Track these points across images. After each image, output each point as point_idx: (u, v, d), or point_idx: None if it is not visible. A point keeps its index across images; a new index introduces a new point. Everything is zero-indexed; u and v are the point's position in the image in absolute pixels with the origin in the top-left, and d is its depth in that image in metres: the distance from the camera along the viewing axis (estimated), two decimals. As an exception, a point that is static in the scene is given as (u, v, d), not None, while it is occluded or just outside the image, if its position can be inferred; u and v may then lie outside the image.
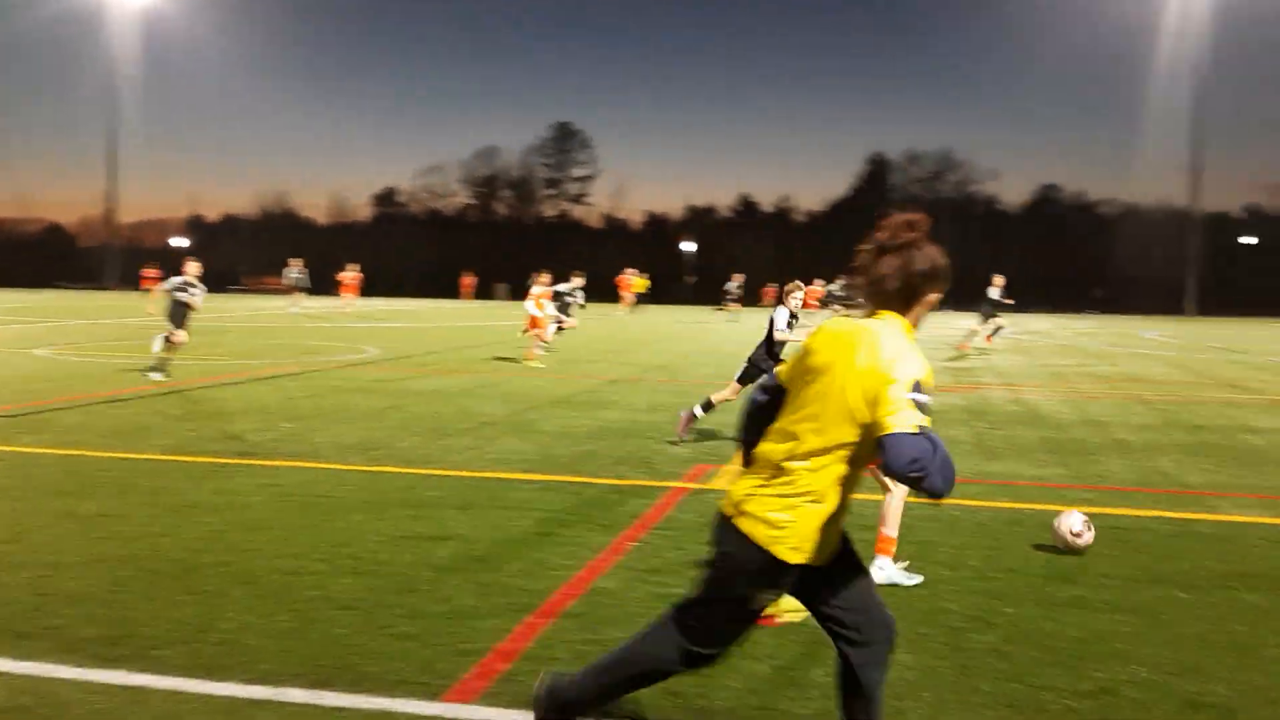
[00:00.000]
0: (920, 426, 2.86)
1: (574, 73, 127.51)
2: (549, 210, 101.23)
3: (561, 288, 22.42)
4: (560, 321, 21.06)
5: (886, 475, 2.91)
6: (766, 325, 10.36)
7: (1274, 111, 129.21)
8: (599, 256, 68.43)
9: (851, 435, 3.04)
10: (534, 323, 19.63)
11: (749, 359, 10.38)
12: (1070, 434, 11.33)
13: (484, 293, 72.57)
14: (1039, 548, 6.47)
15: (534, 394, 14.10)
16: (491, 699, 4.15)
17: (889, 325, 3.09)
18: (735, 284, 45.66)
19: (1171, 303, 69.20)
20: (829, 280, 40.62)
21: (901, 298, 3.12)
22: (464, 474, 8.55)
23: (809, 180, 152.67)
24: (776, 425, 3.24)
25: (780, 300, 10.53)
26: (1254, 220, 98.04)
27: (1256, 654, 4.73)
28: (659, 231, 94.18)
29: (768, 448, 3.22)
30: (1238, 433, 11.63)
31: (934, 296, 3.14)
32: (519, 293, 74.90)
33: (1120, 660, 4.62)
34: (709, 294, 60.61)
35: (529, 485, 8.13)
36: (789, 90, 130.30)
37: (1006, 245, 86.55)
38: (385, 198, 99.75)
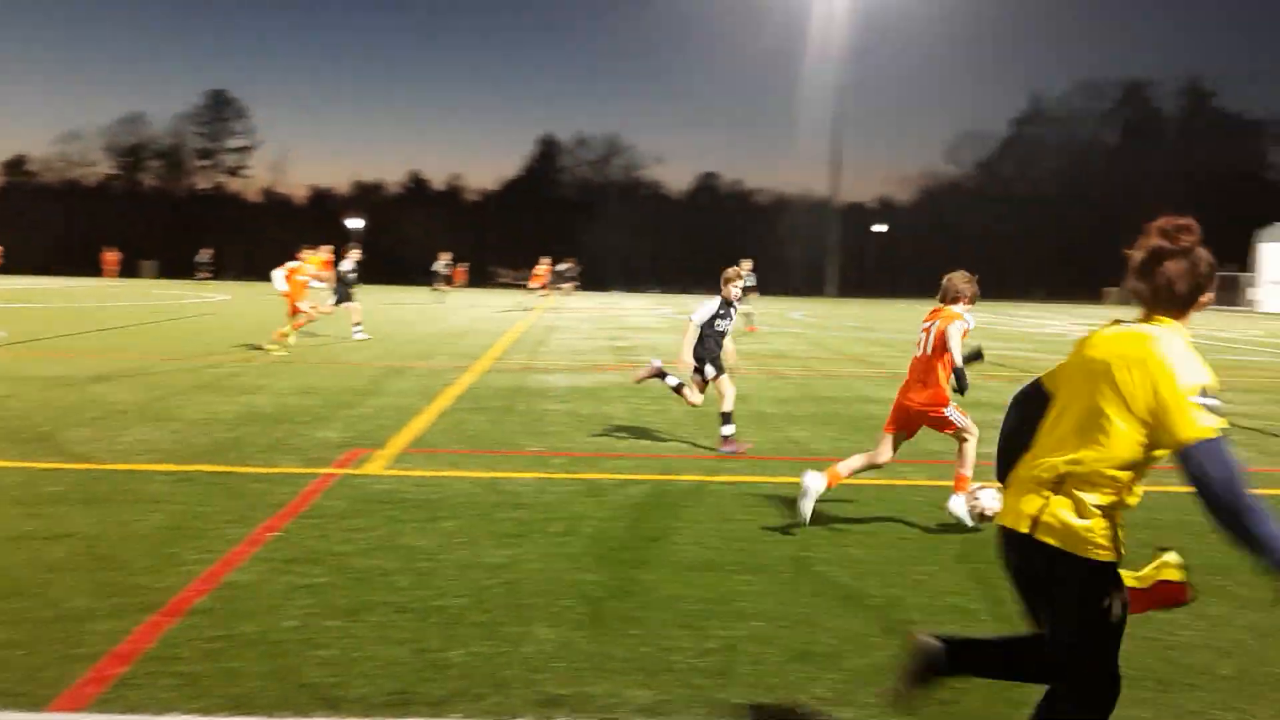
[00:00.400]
0: (1219, 430, 2.75)
1: (229, 38, 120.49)
2: (202, 182, 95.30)
3: (343, 266, 21.35)
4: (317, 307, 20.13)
5: (1195, 484, 2.72)
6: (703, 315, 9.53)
7: (903, 112, 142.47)
8: (257, 232, 65.16)
9: (1138, 437, 2.90)
10: (294, 303, 18.25)
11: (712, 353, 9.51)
12: (713, 409, 11.98)
13: (130, 270, 67.24)
14: (678, 516, 6.81)
15: (175, 380, 13.21)
16: (105, 705, 3.86)
17: (1169, 330, 2.99)
18: (443, 263, 44.82)
19: (816, 285, 74.90)
20: (556, 261, 40.87)
21: (1184, 302, 3.03)
22: (91, 466, 7.88)
23: (481, 159, 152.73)
24: (1053, 432, 3.12)
25: (719, 288, 9.80)
26: (885, 210, 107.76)
27: (859, 603, 5.21)
28: (324, 207, 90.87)
29: (1047, 456, 3.08)
30: (859, 403, 12.77)
31: (1208, 298, 3.08)
32: (171, 269, 69.70)
33: (742, 618, 4.94)
34: (377, 274, 59.10)
35: (164, 477, 7.60)
36: (461, 68, 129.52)
37: (671, 229, 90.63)
38: (14, 165, 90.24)
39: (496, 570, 5.59)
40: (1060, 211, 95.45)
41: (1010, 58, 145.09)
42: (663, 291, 66.43)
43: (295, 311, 18.06)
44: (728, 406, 9.44)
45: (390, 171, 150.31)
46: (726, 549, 6.09)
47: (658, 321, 31.65)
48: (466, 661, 4.37)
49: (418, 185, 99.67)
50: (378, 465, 8.26)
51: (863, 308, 49.60)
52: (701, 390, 9.61)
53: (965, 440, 6.99)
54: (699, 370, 9.51)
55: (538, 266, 40.44)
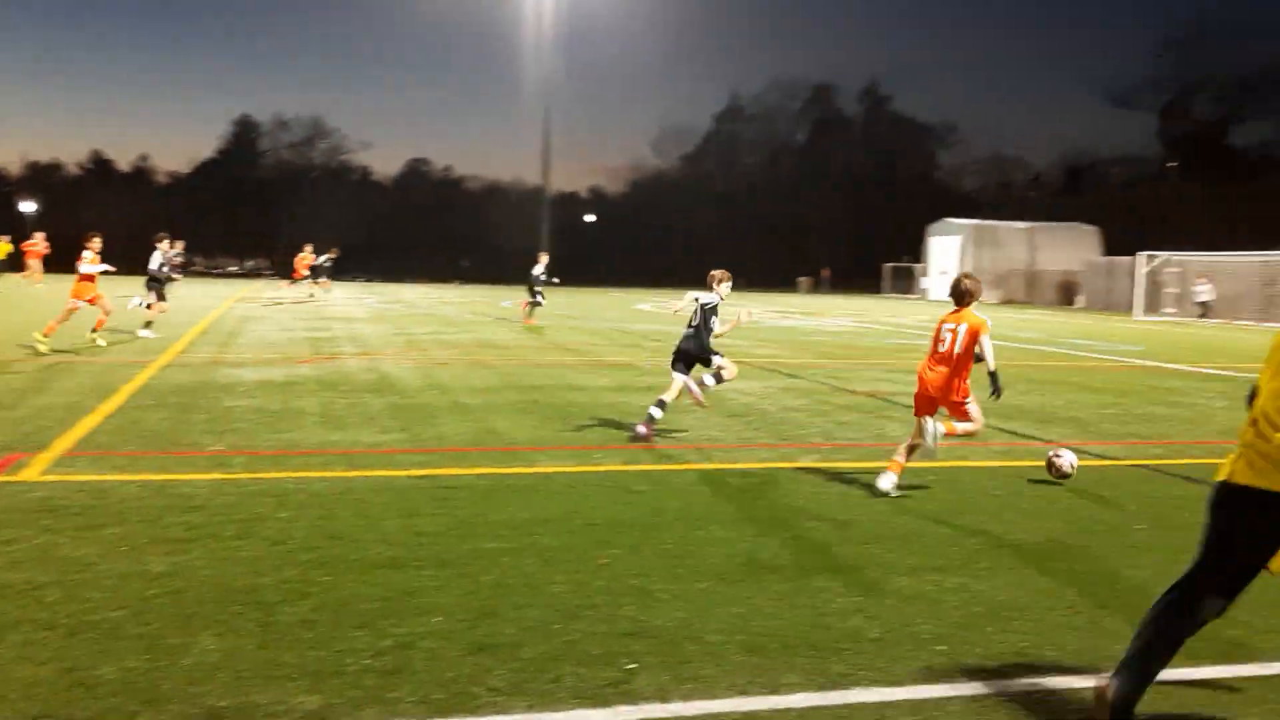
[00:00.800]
0: None
1: None
2: None
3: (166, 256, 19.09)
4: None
5: None
6: (697, 313, 9.79)
7: (612, 104, 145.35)
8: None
9: None
10: (80, 293, 16.24)
11: (680, 349, 9.93)
12: (416, 399, 11.81)
13: None
14: (364, 514, 6.64)
15: None
16: None
17: None
18: (328, 258, 41.34)
19: (529, 274, 75.03)
20: (319, 251, 38.13)
21: None
22: None
23: (171, 139, 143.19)
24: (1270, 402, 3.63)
25: (708, 287, 9.94)
26: (596, 200, 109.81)
27: (543, 591, 5.25)
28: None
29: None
30: (563, 391, 12.93)
31: None
32: None
33: (421, 614, 4.86)
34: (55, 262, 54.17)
35: None
36: (151, 41, 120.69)
37: (380, 216, 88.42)
38: None
39: (160, 579, 5.24)
40: (757, 204, 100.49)
41: (713, 55, 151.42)
42: (369, 280, 64.73)
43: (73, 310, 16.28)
44: (670, 397, 9.81)
45: (69, 151, 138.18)
46: (413, 545, 5.99)
47: (363, 311, 30.80)
48: (120, 678, 4.07)
49: (100, 166, 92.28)
50: (35, 470, 7.56)
51: (573, 296, 50.29)
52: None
53: (971, 430, 7.86)
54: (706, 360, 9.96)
55: (298, 257, 36.69)
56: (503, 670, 4.28)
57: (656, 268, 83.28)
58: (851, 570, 5.74)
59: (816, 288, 76.02)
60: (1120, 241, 61.45)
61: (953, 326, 7.74)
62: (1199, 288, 45.73)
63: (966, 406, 7.77)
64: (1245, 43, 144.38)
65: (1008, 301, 64.68)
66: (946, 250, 70.49)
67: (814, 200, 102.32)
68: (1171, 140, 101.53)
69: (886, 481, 7.57)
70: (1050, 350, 23.03)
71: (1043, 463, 8.32)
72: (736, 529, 6.52)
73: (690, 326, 9.91)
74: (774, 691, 4.15)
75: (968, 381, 7.78)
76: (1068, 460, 8.17)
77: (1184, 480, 8.55)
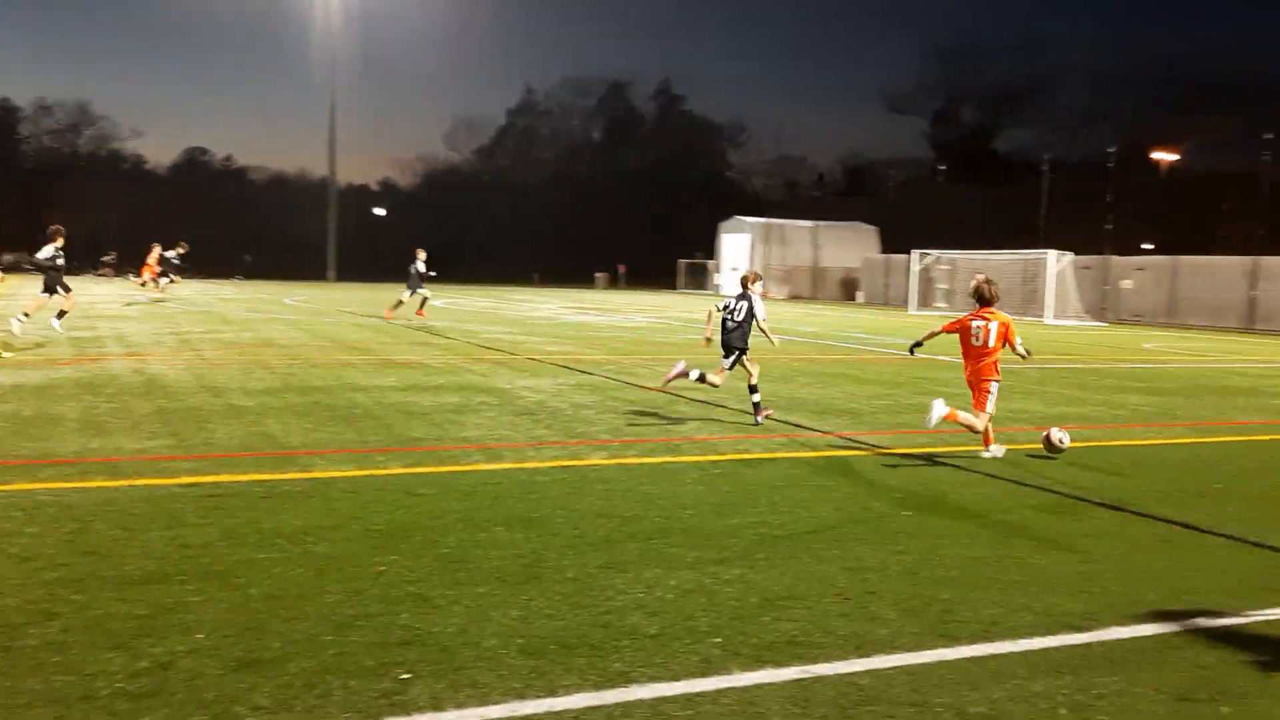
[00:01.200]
0: None
1: None
2: None
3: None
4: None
5: None
6: (744, 308, 11.06)
7: (404, 95, 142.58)
8: None
9: None
10: None
11: (728, 344, 11.13)
12: (186, 402, 11.20)
13: None
14: (125, 526, 6.22)
15: None
16: None
17: None
18: (176, 253, 37.57)
19: (317, 269, 72.86)
20: (166, 247, 35.08)
21: None
22: None
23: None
24: None
25: (745, 287, 11.35)
26: (387, 192, 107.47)
27: (315, 602, 5.04)
28: None
29: None
30: (346, 392, 12.53)
31: None
32: None
33: (183, 631, 4.58)
34: None
35: None
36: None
37: (154, 207, 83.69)
38: None
39: (-120, 608, 4.74)
40: (552, 199, 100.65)
41: (508, 48, 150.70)
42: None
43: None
44: (755, 380, 11.27)
45: None
46: (176, 558, 5.65)
47: (133, 309, 29.06)
48: None
49: None
50: None
51: (362, 292, 49.03)
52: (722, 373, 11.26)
53: (972, 424, 9.28)
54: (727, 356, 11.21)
55: (148, 255, 33.98)
56: (268, 687, 4.08)
57: (451, 263, 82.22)
58: (634, 566, 5.77)
59: (613, 283, 76.78)
60: (896, 240, 64.75)
61: (983, 324, 9.37)
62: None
63: (990, 389, 9.38)
64: (1007, 56, 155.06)
65: (794, 297, 67.10)
66: (737, 247, 72.49)
67: (609, 196, 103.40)
68: (941, 145, 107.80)
69: (997, 450, 9.43)
70: (830, 344, 24.01)
71: (823, 453, 8.62)
72: (521, 530, 6.46)
73: (734, 323, 11.13)
74: (552, 694, 4.11)
75: (997, 370, 9.46)
76: (1056, 434, 9.57)
77: (946, 467, 9.03)
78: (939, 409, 8.99)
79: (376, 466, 8.25)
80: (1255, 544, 6.75)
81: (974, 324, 9.42)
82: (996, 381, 9.45)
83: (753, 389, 11.26)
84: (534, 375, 14.99)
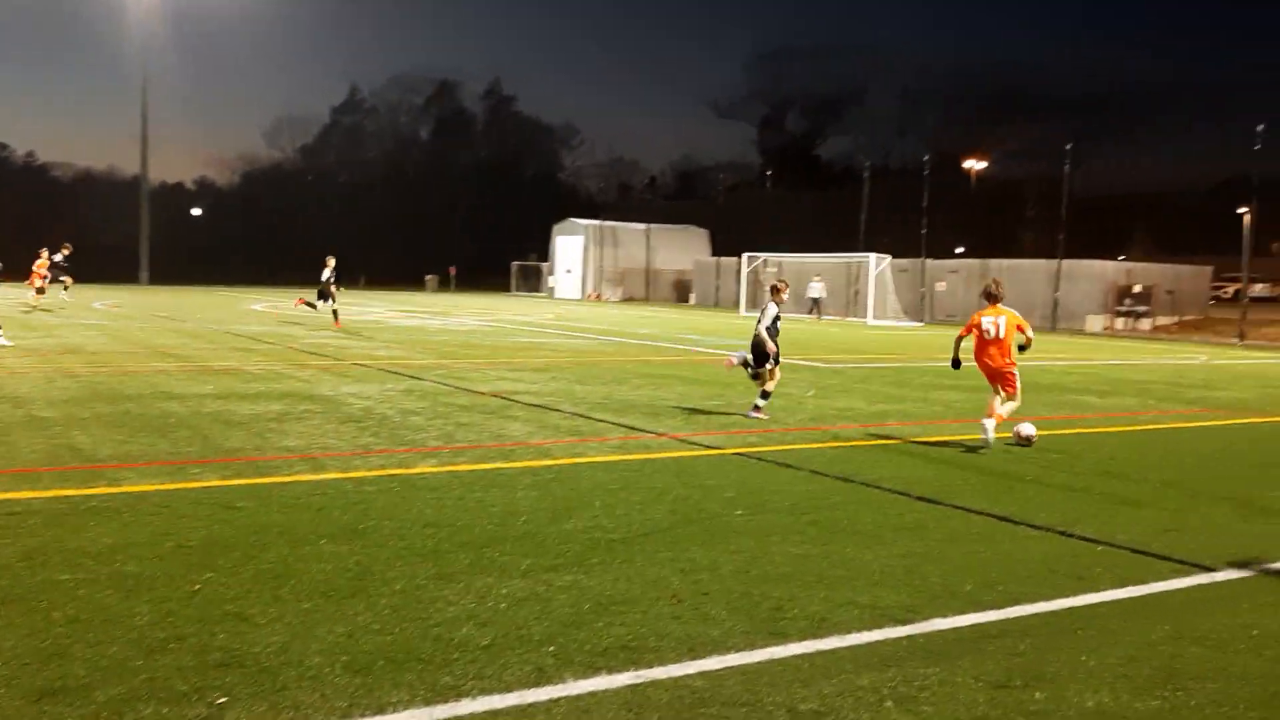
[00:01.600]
0: None
1: None
2: None
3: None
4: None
5: None
6: (768, 317, 12.10)
7: (223, 91, 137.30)
8: None
9: None
10: None
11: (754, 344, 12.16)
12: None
13: None
14: (-94, 551, 5.73)
15: None
16: None
17: None
18: (63, 255, 34.00)
19: (129, 272, 69.28)
20: (54, 250, 31.97)
21: None
22: None
23: None
24: None
25: (773, 295, 12.46)
26: (204, 192, 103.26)
27: (124, 625, 4.73)
28: None
29: None
30: (160, 400, 11.91)
31: None
32: None
33: (-30, 665, 4.24)
34: None
35: None
36: None
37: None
38: None
39: None
40: (379, 199, 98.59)
41: (332, 45, 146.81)
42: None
43: None
44: (772, 388, 12.28)
45: None
46: (-35, 583, 5.23)
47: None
48: None
49: None
50: None
51: (177, 296, 46.90)
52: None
53: (1014, 407, 10.73)
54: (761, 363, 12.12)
55: (36, 263, 31.46)
56: (72, 717, 3.80)
57: (273, 264, 79.47)
58: (465, 576, 5.65)
59: (444, 286, 75.69)
60: (727, 243, 66.02)
61: (993, 319, 10.80)
62: (812, 285, 49.91)
63: (1014, 374, 10.74)
64: (824, 67, 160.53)
65: (629, 299, 67.60)
66: (571, 249, 72.54)
67: (439, 197, 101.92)
68: (768, 150, 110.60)
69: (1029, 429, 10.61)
70: (664, 345, 24.24)
71: (657, 454, 8.65)
72: (346, 542, 6.24)
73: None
74: (380, 711, 3.97)
75: (1012, 356, 10.76)
76: (1025, 430, 10.62)
77: (776, 466, 9.21)
78: (990, 427, 10.40)
79: (192, 479, 7.85)
80: (1063, 533, 7.11)
81: (984, 321, 10.85)
82: (1015, 367, 10.84)
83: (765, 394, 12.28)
84: (361, 381, 14.60)
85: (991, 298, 11.00)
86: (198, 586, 5.32)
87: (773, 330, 12.05)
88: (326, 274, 26.03)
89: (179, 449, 9.04)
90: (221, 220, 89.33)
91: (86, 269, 70.25)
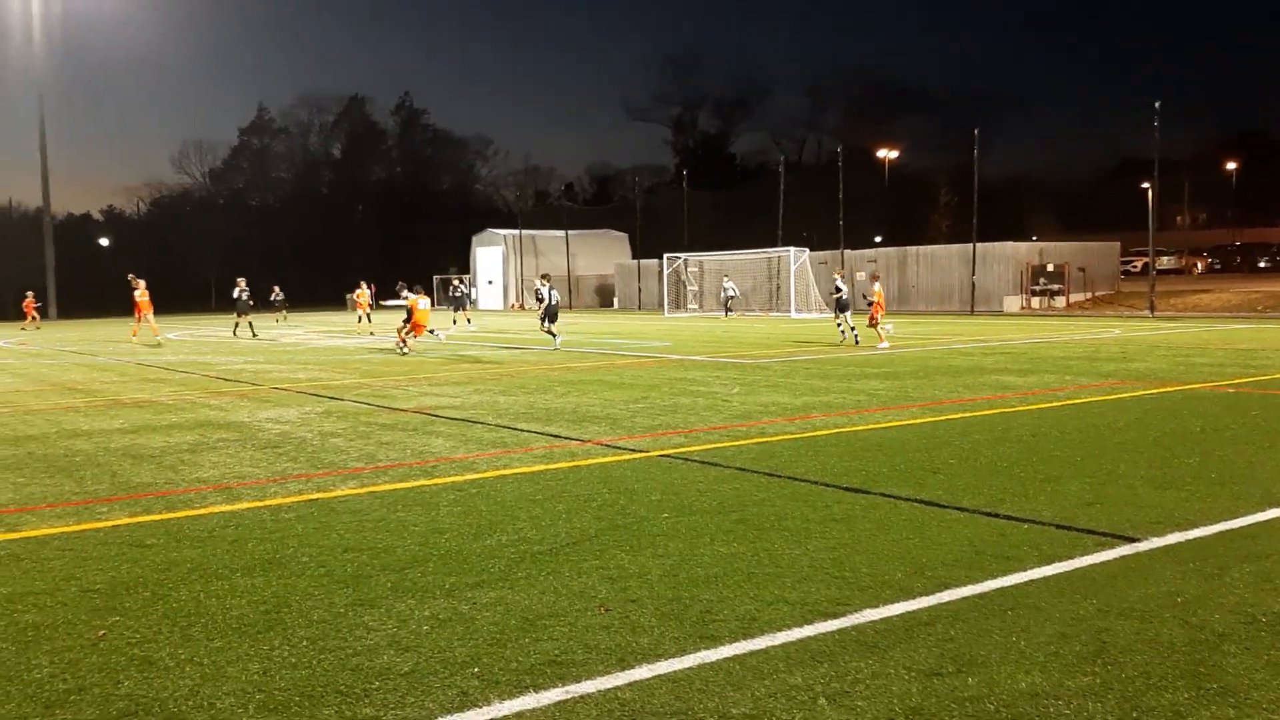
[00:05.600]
0: None
1: None
2: None
3: None
4: None
5: None
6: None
7: (125, 119, 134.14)
8: None
9: None
10: None
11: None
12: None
13: None
14: None
15: None
16: None
17: None
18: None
19: (42, 307, 67.15)
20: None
21: None
22: None
23: None
24: None
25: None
26: (111, 222, 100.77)
27: (20, 679, 4.46)
28: None
29: None
30: (65, 439, 11.48)
31: None
32: None
33: None
34: None
35: None
36: None
37: None
38: None
39: None
40: (293, 219, 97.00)
41: (237, 66, 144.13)
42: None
43: None
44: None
45: None
46: None
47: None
48: None
49: None
50: None
51: (88, 329, 45.56)
52: None
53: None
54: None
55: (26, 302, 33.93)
56: (-40, 789, 3.56)
57: (186, 291, 77.63)
58: (386, 600, 5.47)
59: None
60: (646, 245, 66.01)
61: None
62: (725, 285, 50.13)
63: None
64: (729, 67, 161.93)
65: (550, 306, 67.16)
66: (491, 260, 72.06)
67: (354, 214, 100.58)
68: (682, 150, 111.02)
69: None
70: (588, 351, 24.10)
71: (583, 461, 8.50)
72: (261, 575, 6.01)
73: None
74: (296, 752, 3.78)
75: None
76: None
77: (703, 465, 9.14)
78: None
79: (98, 519, 7.52)
80: (988, 514, 7.14)
81: None
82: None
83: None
84: (279, 405, 14.24)
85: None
86: (103, 632, 5.06)
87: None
88: (236, 292, 26.71)
89: (85, 488, 8.69)
90: (130, 249, 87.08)
91: (-8, 307, 68.06)
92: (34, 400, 15.73)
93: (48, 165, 64.32)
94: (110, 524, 7.37)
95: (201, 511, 7.72)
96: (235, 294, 31.70)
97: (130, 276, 28.79)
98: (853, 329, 24.95)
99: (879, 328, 23.71)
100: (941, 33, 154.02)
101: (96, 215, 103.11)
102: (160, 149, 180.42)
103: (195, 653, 4.76)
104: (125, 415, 13.51)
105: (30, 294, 46.03)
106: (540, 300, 24.75)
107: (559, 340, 24.71)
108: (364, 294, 35.72)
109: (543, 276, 25.57)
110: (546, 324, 24.65)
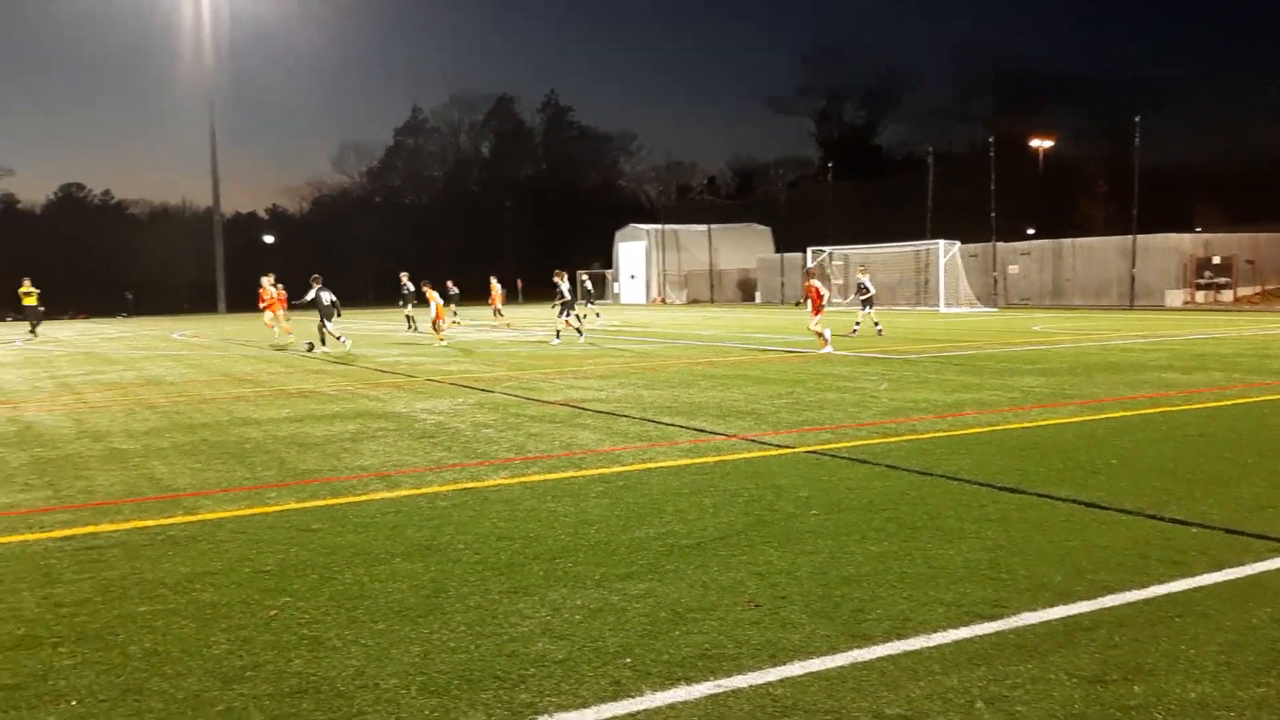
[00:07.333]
0: None
1: None
2: None
3: None
4: None
5: None
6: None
7: (289, 122, 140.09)
8: None
9: None
10: None
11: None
12: (64, 450, 10.66)
13: None
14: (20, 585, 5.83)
15: None
16: None
17: None
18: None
19: (207, 302, 70.91)
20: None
21: None
22: None
23: None
24: None
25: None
26: (276, 220, 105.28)
27: (201, 655, 4.74)
28: None
29: None
30: (236, 427, 12.08)
31: None
32: None
33: (54, 700, 4.25)
34: None
35: None
36: None
37: (32, 247, 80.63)
38: None
39: None
40: (444, 218, 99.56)
41: (392, 69, 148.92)
42: (17, 318, 58.62)
43: None
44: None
45: None
46: (49, 619, 5.29)
47: (7, 355, 27.82)
48: None
49: None
50: None
51: (255, 322, 47.74)
52: None
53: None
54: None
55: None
56: (149, 754, 3.80)
57: (346, 286, 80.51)
58: (539, 589, 5.59)
59: (512, 298, 76.15)
60: (789, 238, 65.50)
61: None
62: (861, 279, 49.40)
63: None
64: (878, 53, 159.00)
65: (694, 301, 67.40)
66: (634, 255, 72.57)
67: (501, 211, 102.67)
68: (826, 142, 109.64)
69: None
70: (730, 346, 24.06)
71: (728, 456, 8.52)
72: (420, 560, 6.22)
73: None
74: (456, 733, 3.91)
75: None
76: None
77: (851, 462, 9.03)
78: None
79: (268, 503, 7.90)
80: (1153, 517, 6.85)
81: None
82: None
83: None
84: (433, 397, 14.68)
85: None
86: (274, 612, 5.32)
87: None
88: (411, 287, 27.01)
89: (255, 474, 9.14)
90: (294, 246, 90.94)
91: (165, 301, 72.11)
92: (207, 390, 16.60)
93: (218, 167, 67.63)
94: (279, 508, 7.73)
95: (363, 498, 8.02)
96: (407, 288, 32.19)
97: (314, 277, 28.41)
98: (875, 323, 27.33)
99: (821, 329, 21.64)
100: (1096, 15, 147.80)
101: (262, 214, 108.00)
102: (321, 150, 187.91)
103: (360, 634, 4.96)
104: (291, 405, 14.13)
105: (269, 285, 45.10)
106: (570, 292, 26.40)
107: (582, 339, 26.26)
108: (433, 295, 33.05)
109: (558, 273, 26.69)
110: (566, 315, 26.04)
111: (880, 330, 27.28)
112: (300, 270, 32.38)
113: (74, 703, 4.24)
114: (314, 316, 25.51)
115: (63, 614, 5.37)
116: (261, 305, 30.65)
